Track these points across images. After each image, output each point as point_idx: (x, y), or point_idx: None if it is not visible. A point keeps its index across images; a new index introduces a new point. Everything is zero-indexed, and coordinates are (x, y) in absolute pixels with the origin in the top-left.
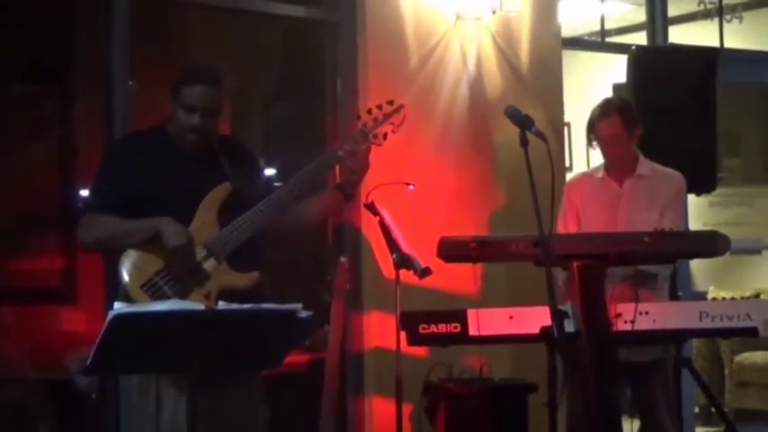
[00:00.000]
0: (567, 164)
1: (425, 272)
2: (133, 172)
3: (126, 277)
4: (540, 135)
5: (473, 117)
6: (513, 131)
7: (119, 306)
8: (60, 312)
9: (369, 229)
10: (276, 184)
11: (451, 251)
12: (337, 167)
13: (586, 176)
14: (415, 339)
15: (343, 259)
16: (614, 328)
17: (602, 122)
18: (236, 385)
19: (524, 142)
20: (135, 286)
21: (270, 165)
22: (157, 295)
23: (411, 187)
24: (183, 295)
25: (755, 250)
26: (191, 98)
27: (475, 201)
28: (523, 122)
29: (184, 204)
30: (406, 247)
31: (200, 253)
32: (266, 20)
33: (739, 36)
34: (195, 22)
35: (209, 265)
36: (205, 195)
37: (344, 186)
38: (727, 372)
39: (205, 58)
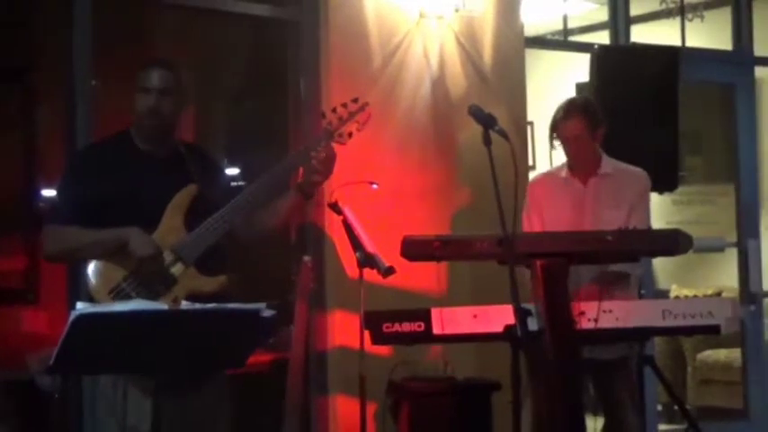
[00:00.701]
0: (531, 163)
1: (389, 271)
2: (97, 180)
3: (93, 283)
4: (502, 134)
5: (436, 116)
6: (476, 130)
7: (82, 306)
8: (22, 313)
9: (332, 228)
10: (240, 183)
11: (415, 250)
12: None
13: (549, 176)
14: (378, 338)
15: (306, 258)
16: (578, 327)
17: (566, 123)
18: (200, 385)
19: (487, 141)
20: (102, 292)
21: (234, 164)
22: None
23: (375, 186)
24: (150, 300)
25: (717, 248)
26: (146, 81)
27: (438, 200)
28: (486, 121)
29: (151, 208)
30: (369, 245)
31: (168, 257)
32: (230, 19)
33: (701, 35)
34: (158, 22)
35: (176, 269)
36: (171, 199)
37: (304, 186)
38: (689, 369)
39: (168, 56)
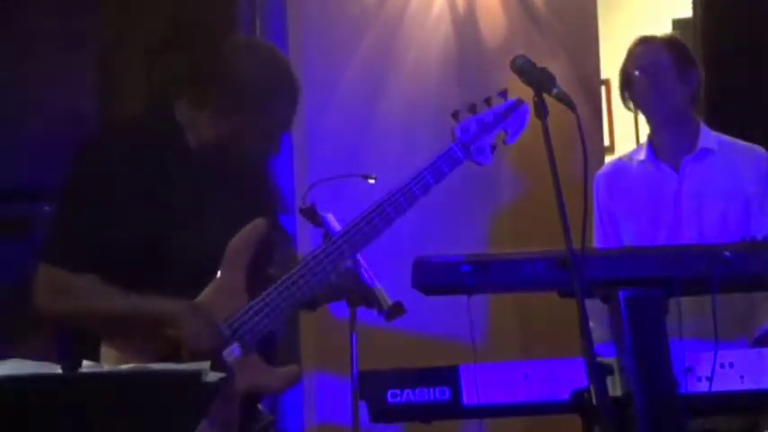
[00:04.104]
0: (607, 142)
1: (395, 310)
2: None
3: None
4: (564, 100)
5: (462, 73)
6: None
7: None
8: None
9: (307, 245)
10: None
11: (433, 278)
12: None
13: (622, 162)
14: (380, 413)
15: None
16: (682, 390)
17: (639, 49)
18: None
19: (542, 111)
20: None
21: None
22: None
23: (371, 181)
24: None
25: None
26: None
27: (464, 200)
28: (540, 81)
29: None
30: (365, 272)
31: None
32: None
33: None
34: None
35: (229, 354)
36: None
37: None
38: None
39: None
